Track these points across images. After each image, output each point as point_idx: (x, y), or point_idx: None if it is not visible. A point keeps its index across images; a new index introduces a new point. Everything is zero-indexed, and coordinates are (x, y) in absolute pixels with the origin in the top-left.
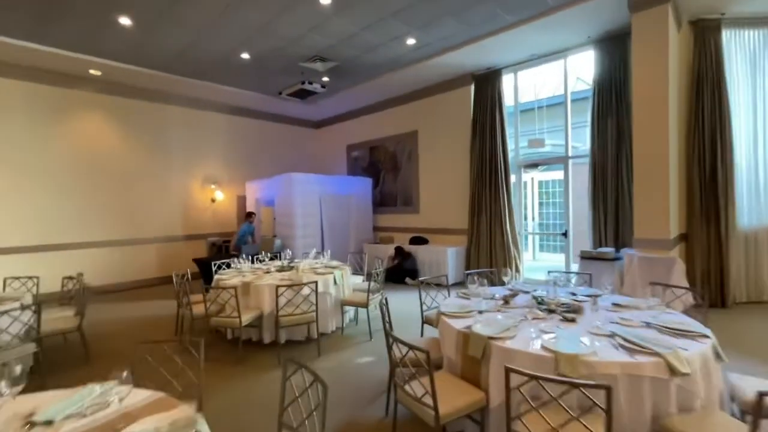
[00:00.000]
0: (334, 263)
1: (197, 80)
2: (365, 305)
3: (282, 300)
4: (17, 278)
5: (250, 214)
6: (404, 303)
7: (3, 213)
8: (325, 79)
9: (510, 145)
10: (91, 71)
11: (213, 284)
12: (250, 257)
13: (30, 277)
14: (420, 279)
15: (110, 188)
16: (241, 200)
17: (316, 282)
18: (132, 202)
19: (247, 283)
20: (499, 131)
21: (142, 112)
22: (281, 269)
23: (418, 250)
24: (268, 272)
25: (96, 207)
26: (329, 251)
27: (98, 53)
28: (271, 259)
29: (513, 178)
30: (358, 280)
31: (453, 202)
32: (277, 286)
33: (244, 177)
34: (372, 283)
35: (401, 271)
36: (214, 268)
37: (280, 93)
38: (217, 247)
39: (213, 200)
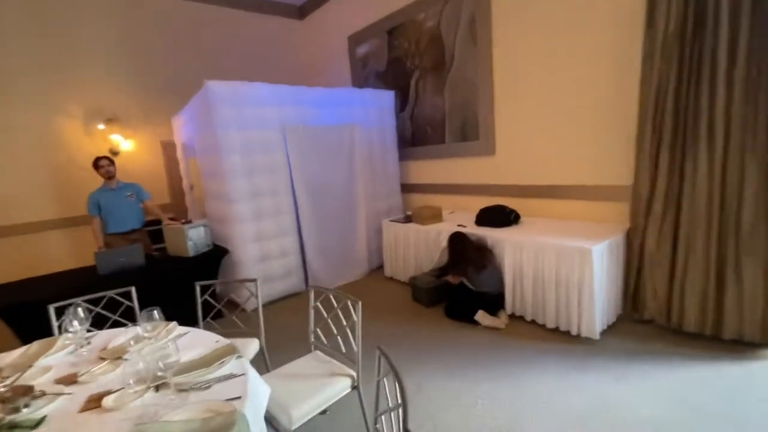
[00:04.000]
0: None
1: None
2: None
3: None
4: None
5: (97, 162)
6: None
7: None
8: None
9: None
10: None
11: None
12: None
13: None
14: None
15: None
16: (169, 149)
17: None
18: None
19: None
20: None
21: None
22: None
23: (497, 241)
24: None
25: None
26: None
27: None
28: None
29: None
30: None
31: (585, 123)
32: None
33: (173, 109)
34: None
35: (463, 294)
36: None
37: None
38: (130, 242)
39: (114, 153)
